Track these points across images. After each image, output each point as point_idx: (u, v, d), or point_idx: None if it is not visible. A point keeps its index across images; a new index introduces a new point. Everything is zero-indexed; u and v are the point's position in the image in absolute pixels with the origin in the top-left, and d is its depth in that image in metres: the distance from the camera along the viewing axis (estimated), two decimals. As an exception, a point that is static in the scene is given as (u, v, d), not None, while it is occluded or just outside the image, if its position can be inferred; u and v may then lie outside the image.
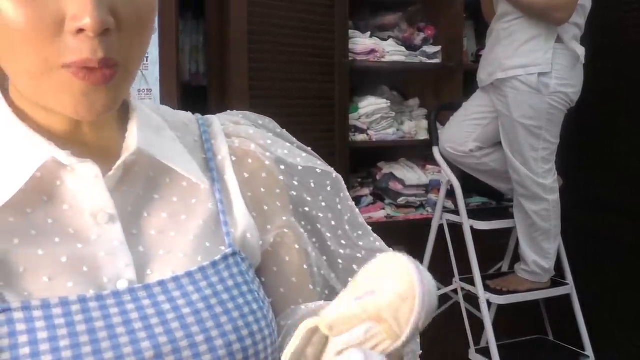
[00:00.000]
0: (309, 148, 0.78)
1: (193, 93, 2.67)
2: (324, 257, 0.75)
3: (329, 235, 0.75)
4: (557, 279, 2.42)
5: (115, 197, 0.59)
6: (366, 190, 2.92)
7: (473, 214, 2.45)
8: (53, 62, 0.52)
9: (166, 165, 0.63)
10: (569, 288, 2.42)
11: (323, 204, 0.75)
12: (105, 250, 0.58)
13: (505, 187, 2.48)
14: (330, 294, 0.75)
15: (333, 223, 0.75)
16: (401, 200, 2.86)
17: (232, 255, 0.64)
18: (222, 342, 0.58)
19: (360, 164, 2.99)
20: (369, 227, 0.78)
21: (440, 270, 2.53)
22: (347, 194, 0.77)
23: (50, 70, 0.53)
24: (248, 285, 0.64)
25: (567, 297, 2.44)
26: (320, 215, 0.74)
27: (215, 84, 2.52)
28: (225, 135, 0.71)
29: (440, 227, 2.51)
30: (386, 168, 2.95)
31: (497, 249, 2.69)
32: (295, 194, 0.73)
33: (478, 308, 2.36)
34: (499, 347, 2.28)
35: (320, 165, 0.75)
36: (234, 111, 0.77)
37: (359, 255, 0.77)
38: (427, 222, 2.64)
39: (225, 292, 0.61)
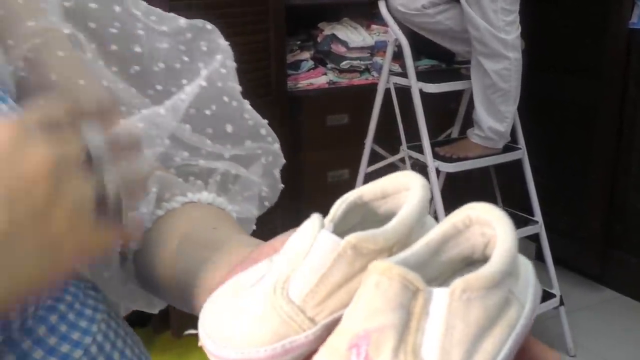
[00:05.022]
0: None
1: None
2: (113, 67, 0.55)
3: (112, 30, 0.55)
4: (509, 144, 2.31)
5: None
6: (306, 54, 2.70)
7: (422, 76, 2.27)
8: None
9: None
10: (521, 153, 2.32)
11: None
12: None
13: (463, 48, 2.28)
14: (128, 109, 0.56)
15: (117, 9, 0.55)
16: (344, 64, 2.66)
17: None
18: None
19: (298, 25, 2.74)
20: (159, 10, 0.59)
21: (386, 139, 2.39)
22: None
23: None
24: None
25: (517, 163, 2.34)
26: (92, 5, 0.54)
27: None
28: None
29: (387, 91, 2.33)
30: (327, 29, 2.72)
31: (446, 114, 2.55)
32: None
33: (427, 177, 2.24)
34: (448, 217, 2.19)
35: None
36: None
37: (162, 45, 0.57)
38: (372, 88, 2.45)
39: None
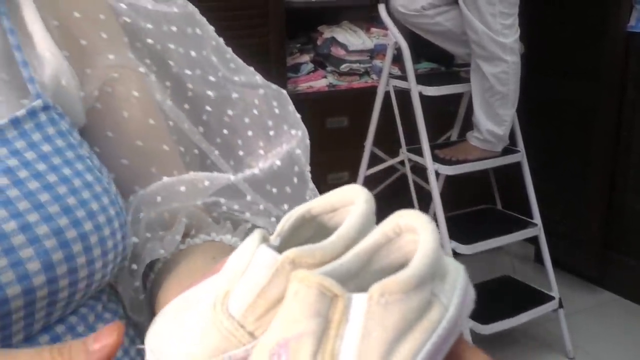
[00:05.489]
0: None
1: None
2: (185, 105, 0.55)
3: (188, 72, 0.55)
4: (508, 147, 2.31)
5: None
6: (306, 57, 2.71)
7: (422, 79, 2.27)
8: None
9: None
10: (520, 156, 2.32)
11: (173, 28, 0.54)
12: None
13: (463, 51, 2.29)
14: (202, 159, 0.56)
15: (193, 54, 0.55)
16: (344, 67, 2.67)
17: (44, 110, 0.44)
18: (48, 229, 0.40)
19: (298, 27, 2.75)
20: (241, 61, 0.59)
21: (386, 141, 2.39)
22: (208, 26, 0.56)
23: None
24: (74, 150, 0.44)
25: (516, 166, 2.34)
26: (171, 46, 0.54)
27: None
28: None
29: (387, 94, 2.33)
30: (327, 32, 2.73)
31: (446, 117, 2.55)
32: (128, 20, 0.52)
33: (426, 180, 2.24)
34: (447, 219, 2.20)
35: None
36: None
37: (235, 95, 0.57)
38: (371, 91, 2.45)
39: (41, 161, 0.42)
